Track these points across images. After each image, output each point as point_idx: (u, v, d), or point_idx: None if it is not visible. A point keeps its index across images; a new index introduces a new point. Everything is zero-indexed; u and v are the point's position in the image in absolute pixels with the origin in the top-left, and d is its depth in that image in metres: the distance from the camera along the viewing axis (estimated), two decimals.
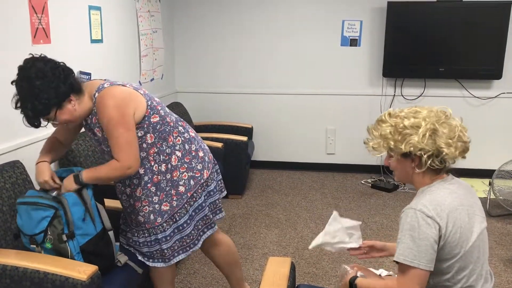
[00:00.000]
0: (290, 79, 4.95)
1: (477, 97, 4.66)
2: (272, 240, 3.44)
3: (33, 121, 1.86)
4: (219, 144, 3.98)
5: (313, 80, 4.92)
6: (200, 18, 4.94)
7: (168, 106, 4.18)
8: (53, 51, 2.72)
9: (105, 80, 2.03)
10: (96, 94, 1.94)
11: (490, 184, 3.85)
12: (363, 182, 4.75)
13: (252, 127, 4.89)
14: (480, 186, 4.41)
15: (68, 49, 2.90)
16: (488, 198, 3.92)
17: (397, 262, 1.51)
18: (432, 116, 1.54)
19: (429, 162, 1.52)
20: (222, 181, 2.34)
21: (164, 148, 2.06)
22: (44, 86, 1.80)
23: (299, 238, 3.47)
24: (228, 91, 5.07)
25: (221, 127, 4.74)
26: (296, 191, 4.49)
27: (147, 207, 2.08)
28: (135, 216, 2.11)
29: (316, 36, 4.80)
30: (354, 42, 4.77)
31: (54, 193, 1.99)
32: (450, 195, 1.53)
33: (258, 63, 4.96)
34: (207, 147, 2.28)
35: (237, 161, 4.20)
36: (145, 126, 2.00)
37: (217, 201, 2.28)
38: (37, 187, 2.40)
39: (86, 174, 1.97)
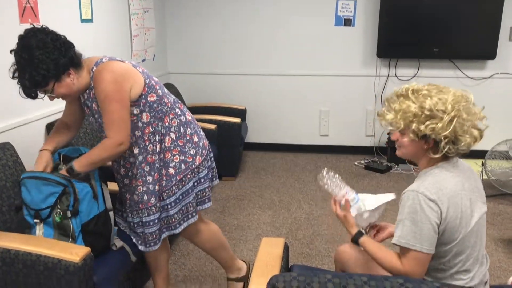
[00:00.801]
0: (283, 60, 4.91)
1: (471, 78, 4.65)
2: (265, 221, 3.45)
3: (30, 92, 1.84)
4: (212, 126, 3.95)
5: (307, 61, 4.88)
6: None
7: None
8: None
9: (104, 56, 2.01)
10: (94, 68, 1.92)
11: (482, 164, 3.87)
12: (356, 163, 4.76)
13: (245, 108, 4.86)
14: (473, 167, 4.43)
15: (57, 28, 2.81)
16: (481, 178, 3.94)
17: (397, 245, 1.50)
18: (458, 102, 1.48)
19: (446, 148, 1.48)
20: (215, 169, 2.29)
21: (160, 128, 2.05)
22: (44, 57, 1.78)
23: (293, 219, 3.48)
24: (221, 72, 5.02)
25: (214, 108, 4.70)
26: (290, 173, 4.49)
27: (141, 187, 2.07)
28: (130, 196, 2.10)
29: (310, 16, 4.75)
30: (348, 22, 4.72)
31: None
32: (453, 178, 1.51)
33: (251, 44, 4.91)
34: (203, 133, 2.25)
35: (230, 143, 4.18)
36: (142, 104, 1.98)
37: (207, 189, 2.23)
38: (28, 169, 2.38)
39: (78, 163, 1.95)
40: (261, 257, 1.78)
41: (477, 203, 1.55)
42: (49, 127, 2.74)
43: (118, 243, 2.11)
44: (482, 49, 4.49)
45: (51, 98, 1.94)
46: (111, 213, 2.09)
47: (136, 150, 2.04)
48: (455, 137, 1.47)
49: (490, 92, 4.67)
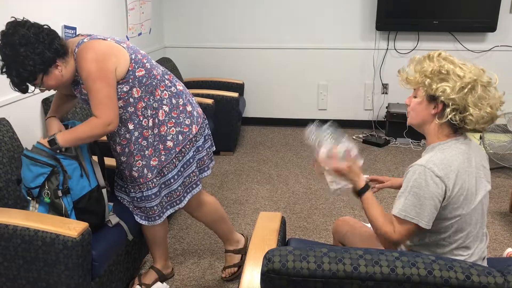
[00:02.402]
0: (282, 34, 4.84)
1: (471, 51, 4.60)
2: (263, 196, 3.46)
3: (20, 87, 1.85)
4: (210, 101, 3.92)
5: (306, 34, 4.81)
6: None
7: (157, 62, 4.09)
8: (36, 4, 2.61)
9: (87, 35, 1.98)
10: (76, 50, 1.90)
11: (481, 138, 3.87)
12: (354, 137, 4.76)
13: (243, 83, 4.81)
14: None
15: (52, 2, 2.79)
16: None
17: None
18: (478, 75, 1.49)
19: (450, 115, 1.48)
20: (210, 135, 2.30)
21: (152, 102, 2.03)
22: (29, 53, 1.77)
23: (290, 193, 3.50)
24: (218, 46, 4.96)
25: (212, 83, 4.66)
26: (288, 147, 4.49)
27: (140, 161, 2.07)
28: (129, 172, 2.10)
29: None
30: None
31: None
32: (461, 155, 1.50)
33: (249, 17, 4.83)
34: (195, 101, 2.25)
35: (228, 117, 4.17)
36: (130, 80, 1.96)
37: (205, 157, 2.25)
38: (24, 145, 2.38)
39: (62, 137, 1.92)
40: (258, 231, 1.79)
41: (482, 182, 1.55)
42: (45, 103, 2.72)
43: (114, 219, 2.12)
44: (483, 22, 4.43)
45: (42, 91, 1.94)
46: (104, 190, 2.08)
47: (131, 126, 2.03)
48: (464, 106, 1.47)
49: (490, 65, 4.53)
